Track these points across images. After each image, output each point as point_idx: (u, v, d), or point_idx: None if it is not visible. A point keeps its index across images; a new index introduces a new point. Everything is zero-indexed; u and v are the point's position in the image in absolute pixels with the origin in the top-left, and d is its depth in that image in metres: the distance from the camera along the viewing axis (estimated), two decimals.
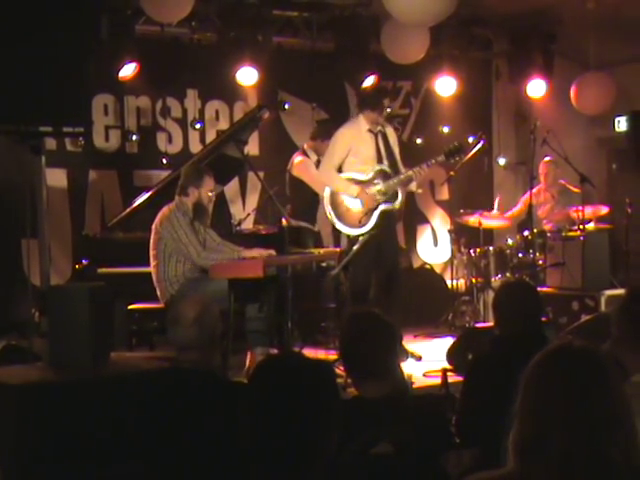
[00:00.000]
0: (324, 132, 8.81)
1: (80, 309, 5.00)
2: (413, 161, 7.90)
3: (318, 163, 8.66)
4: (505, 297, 4.49)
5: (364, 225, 7.58)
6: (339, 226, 7.72)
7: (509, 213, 9.93)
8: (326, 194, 7.74)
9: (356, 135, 7.67)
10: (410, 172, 7.64)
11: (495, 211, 9.62)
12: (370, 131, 7.66)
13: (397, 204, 7.70)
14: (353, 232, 7.63)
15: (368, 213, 7.58)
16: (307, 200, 8.88)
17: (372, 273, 7.67)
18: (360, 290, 7.53)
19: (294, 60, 9.95)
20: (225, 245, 7.13)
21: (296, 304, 7.26)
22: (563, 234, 8.87)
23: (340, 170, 7.68)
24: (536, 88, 10.66)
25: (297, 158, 9.04)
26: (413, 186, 7.94)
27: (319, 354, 7.31)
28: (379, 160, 7.67)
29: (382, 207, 7.61)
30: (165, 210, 6.98)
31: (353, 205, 7.63)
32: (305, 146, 9.22)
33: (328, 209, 7.71)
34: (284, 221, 8.01)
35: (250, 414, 2.26)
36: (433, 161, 7.69)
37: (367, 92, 7.75)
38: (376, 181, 7.62)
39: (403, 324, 7.57)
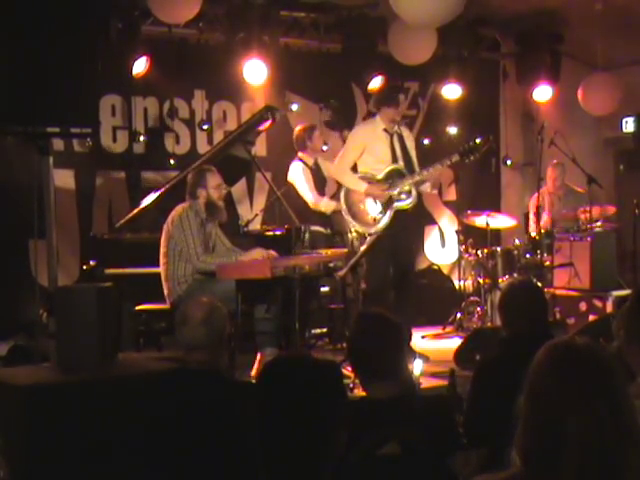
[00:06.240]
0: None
1: (88, 310, 4.99)
2: (420, 162, 7.90)
3: (315, 165, 8.68)
4: (509, 298, 4.48)
5: (378, 223, 7.60)
6: (353, 224, 7.74)
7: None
8: (342, 193, 7.81)
9: (371, 134, 7.73)
10: (425, 172, 7.64)
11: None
12: (386, 131, 7.69)
13: (410, 203, 7.70)
14: (367, 230, 7.63)
15: (382, 212, 7.60)
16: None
17: (388, 272, 7.67)
18: (376, 290, 7.53)
19: (301, 61, 9.96)
20: (233, 251, 7.13)
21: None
22: (570, 235, 8.85)
23: (355, 168, 7.72)
24: (543, 90, 10.66)
25: (291, 165, 8.82)
26: (427, 187, 7.91)
27: (326, 355, 7.32)
28: (394, 160, 7.69)
29: (395, 205, 7.62)
30: (178, 208, 6.99)
31: (367, 204, 7.65)
32: (300, 154, 8.85)
33: (343, 207, 7.75)
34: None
35: (257, 414, 2.26)
36: (448, 161, 7.67)
37: (381, 89, 7.75)
38: (389, 181, 7.64)
39: (411, 324, 7.59)
